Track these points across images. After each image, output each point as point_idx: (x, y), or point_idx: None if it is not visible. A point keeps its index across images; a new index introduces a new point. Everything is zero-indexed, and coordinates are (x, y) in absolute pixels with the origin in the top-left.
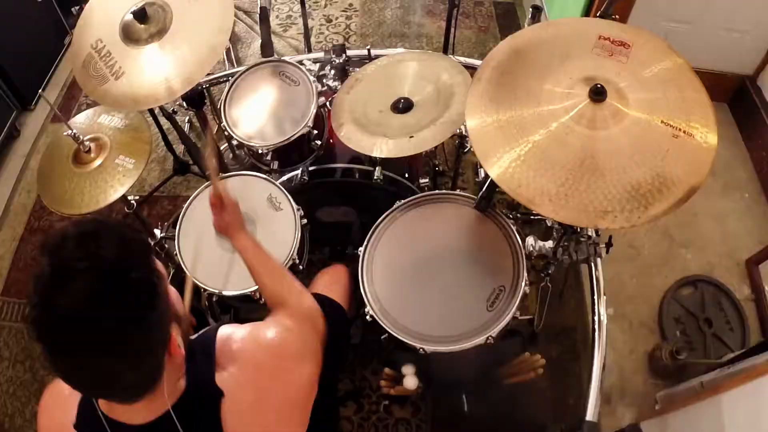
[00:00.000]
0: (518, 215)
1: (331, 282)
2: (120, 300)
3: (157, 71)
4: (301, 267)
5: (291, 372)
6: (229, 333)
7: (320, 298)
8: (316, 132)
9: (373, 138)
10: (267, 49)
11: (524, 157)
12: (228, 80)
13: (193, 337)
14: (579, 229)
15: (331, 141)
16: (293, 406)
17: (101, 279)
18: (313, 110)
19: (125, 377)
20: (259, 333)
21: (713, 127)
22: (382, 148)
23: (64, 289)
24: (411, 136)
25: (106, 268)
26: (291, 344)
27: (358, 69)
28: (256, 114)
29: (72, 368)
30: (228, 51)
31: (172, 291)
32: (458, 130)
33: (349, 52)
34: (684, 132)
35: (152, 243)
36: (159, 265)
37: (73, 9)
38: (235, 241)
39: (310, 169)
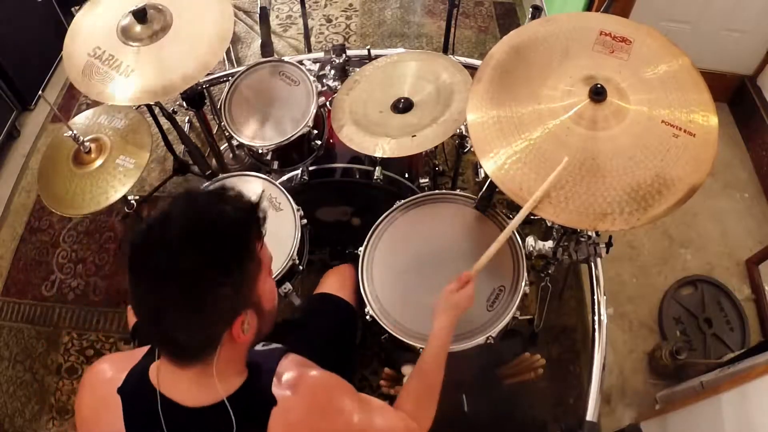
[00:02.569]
0: None
1: (340, 282)
2: (207, 248)
3: (168, 63)
4: (301, 267)
5: (338, 417)
6: (299, 362)
7: (331, 298)
8: (316, 132)
9: (374, 138)
10: (267, 49)
11: (524, 159)
12: (228, 80)
13: (261, 348)
14: (579, 230)
15: (331, 141)
16: None
17: (195, 224)
18: (313, 110)
19: (180, 325)
20: (329, 378)
21: (714, 123)
22: (384, 148)
23: (166, 226)
24: (413, 135)
25: (202, 217)
26: (362, 417)
27: (357, 69)
28: (256, 114)
29: (142, 296)
30: (228, 51)
31: (268, 286)
32: (458, 130)
33: (349, 52)
34: (684, 131)
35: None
36: (264, 254)
37: (73, 9)
38: (440, 321)
39: (310, 169)
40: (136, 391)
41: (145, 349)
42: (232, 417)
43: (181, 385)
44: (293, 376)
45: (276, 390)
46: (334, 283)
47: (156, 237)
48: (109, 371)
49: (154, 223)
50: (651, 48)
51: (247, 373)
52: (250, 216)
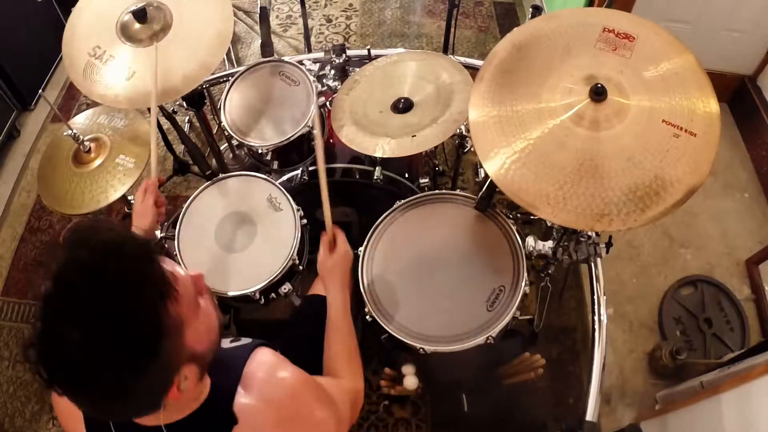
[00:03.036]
0: (518, 215)
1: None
2: (113, 352)
3: (170, 65)
4: (301, 267)
5: (310, 419)
6: (267, 362)
7: (322, 299)
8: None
9: (374, 138)
10: (267, 49)
11: (524, 159)
12: (228, 80)
13: (228, 345)
14: (579, 230)
15: (331, 141)
16: None
17: (94, 328)
18: (313, 110)
19: (118, 409)
20: (295, 381)
21: (716, 120)
22: (384, 148)
23: (61, 335)
24: (413, 135)
25: (101, 317)
26: (326, 415)
27: (357, 69)
28: (256, 114)
29: (69, 395)
30: (228, 51)
31: (199, 326)
32: (458, 130)
33: (349, 52)
34: (686, 131)
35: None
36: (181, 303)
37: (73, 9)
38: (330, 287)
39: (310, 169)
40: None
41: None
42: None
43: None
44: (260, 384)
45: (238, 406)
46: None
47: (58, 352)
48: None
49: (47, 336)
50: (654, 45)
51: (207, 390)
52: (145, 284)
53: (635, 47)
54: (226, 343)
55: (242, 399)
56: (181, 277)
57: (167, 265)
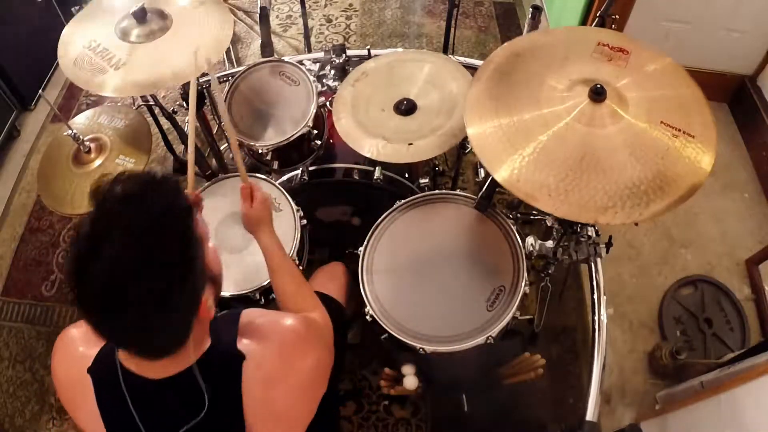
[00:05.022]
0: (518, 215)
1: (328, 279)
2: (153, 265)
3: (162, 59)
4: (301, 267)
5: (308, 355)
6: (255, 312)
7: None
8: (316, 132)
9: (369, 138)
10: (267, 49)
11: (533, 161)
12: (228, 80)
13: (217, 315)
14: (579, 229)
15: (331, 141)
16: (307, 388)
17: (136, 243)
18: (313, 110)
19: (153, 337)
20: (283, 317)
21: (712, 130)
22: (378, 149)
23: (100, 252)
24: (410, 144)
25: (141, 233)
26: (310, 332)
27: (359, 66)
28: (255, 114)
29: (102, 323)
30: (228, 51)
31: (212, 251)
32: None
33: (349, 52)
34: (684, 132)
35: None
36: (200, 225)
37: (73, 9)
38: (261, 237)
39: (310, 169)
40: (105, 371)
41: None
42: (200, 380)
43: (152, 365)
44: (257, 327)
45: (242, 346)
46: (321, 281)
47: (101, 267)
48: (80, 345)
49: (90, 246)
50: (648, 56)
51: (209, 340)
52: (181, 201)
53: (630, 59)
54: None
55: (244, 340)
56: (192, 200)
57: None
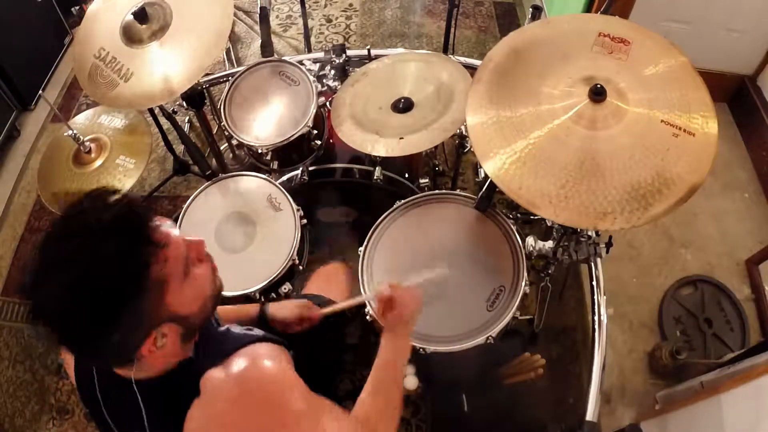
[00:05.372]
0: (518, 215)
1: (327, 281)
2: (90, 301)
3: (165, 66)
4: (301, 267)
5: (278, 411)
6: (260, 351)
7: (316, 299)
8: (316, 132)
9: (366, 135)
10: (267, 49)
11: (524, 159)
12: (228, 80)
13: (238, 330)
14: (579, 229)
15: (331, 141)
16: None
17: (73, 278)
18: (313, 110)
19: (95, 356)
20: (279, 375)
21: (714, 122)
22: (374, 145)
23: (44, 282)
24: (401, 138)
25: (82, 267)
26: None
27: (359, 68)
28: (255, 114)
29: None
30: (228, 51)
31: (187, 291)
32: (458, 131)
33: (349, 52)
34: (684, 130)
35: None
36: (170, 265)
37: (73, 9)
38: (396, 335)
39: (310, 169)
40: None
41: None
42: (139, 399)
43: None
44: (240, 361)
45: (212, 373)
46: (321, 284)
47: (35, 299)
48: None
49: (31, 285)
50: (650, 49)
51: (189, 355)
52: (133, 238)
53: (631, 51)
54: (237, 328)
55: (214, 373)
56: (175, 240)
57: (165, 226)
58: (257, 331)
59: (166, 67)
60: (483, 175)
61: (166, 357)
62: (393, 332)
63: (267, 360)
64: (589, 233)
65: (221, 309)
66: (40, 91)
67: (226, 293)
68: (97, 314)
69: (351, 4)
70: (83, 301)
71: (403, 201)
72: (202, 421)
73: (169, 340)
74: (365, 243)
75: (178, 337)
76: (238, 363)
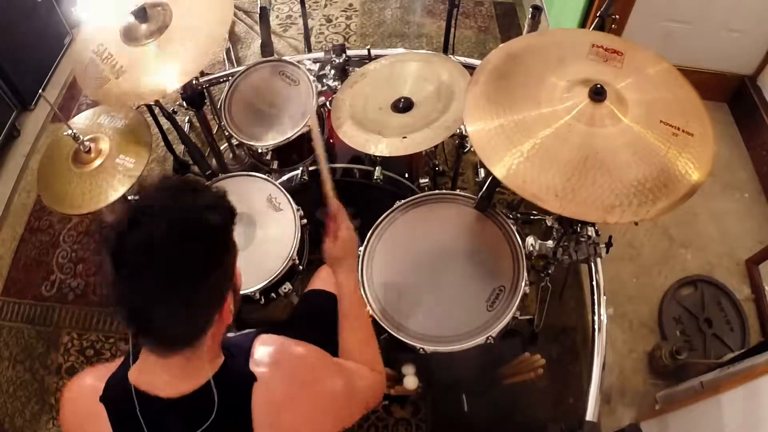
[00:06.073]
0: (518, 215)
1: (328, 279)
2: (189, 247)
3: (156, 67)
4: (301, 267)
5: (320, 385)
6: (269, 338)
7: (319, 294)
8: None
9: (367, 135)
10: (267, 49)
11: (531, 159)
12: (228, 80)
13: (230, 334)
14: (579, 229)
15: (331, 141)
16: (318, 416)
17: (183, 220)
18: (313, 110)
19: (170, 317)
20: (296, 345)
21: (708, 126)
22: (377, 146)
23: (140, 226)
24: (404, 137)
25: (188, 214)
26: (339, 384)
27: (358, 69)
28: (256, 114)
29: (131, 293)
30: (228, 51)
31: (237, 266)
32: (458, 131)
33: (349, 52)
34: (683, 130)
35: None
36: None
37: (73, 9)
38: (340, 275)
39: (310, 169)
40: (118, 396)
41: (120, 359)
42: (215, 396)
43: (163, 377)
44: (270, 352)
45: (254, 368)
46: (323, 279)
47: (143, 234)
48: (89, 382)
49: (137, 218)
50: (643, 57)
51: (222, 356)
52: (230, 212)
53: (625, 59)
54: (230, 334)
55: (255, 365)
56: None
57: None
58: (247, 331)
59: (157, 67)
60: (483, 175)
61: (220, 335)
62: (345, 269)
63: (288, 342)
64: (589, 233)
65: None
66: (40, 91)
67: None
68: (209, 252)
69: (351, 4)
70: (198, 238)
71: (403, 201)
72: (271, 395)
73: (225, 314)
74: (365, 243)
75: (231, 311)
76: (270, 352)
